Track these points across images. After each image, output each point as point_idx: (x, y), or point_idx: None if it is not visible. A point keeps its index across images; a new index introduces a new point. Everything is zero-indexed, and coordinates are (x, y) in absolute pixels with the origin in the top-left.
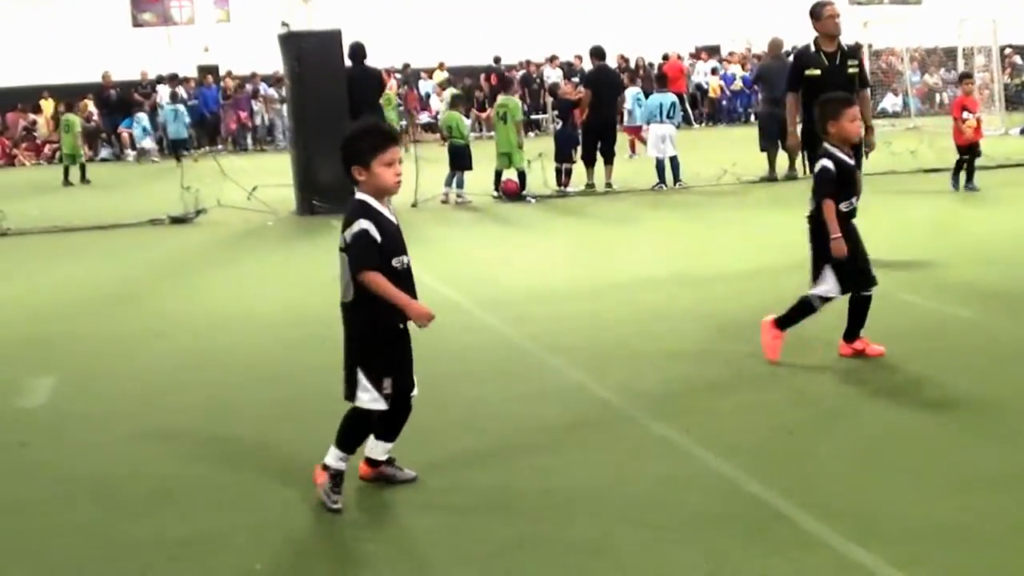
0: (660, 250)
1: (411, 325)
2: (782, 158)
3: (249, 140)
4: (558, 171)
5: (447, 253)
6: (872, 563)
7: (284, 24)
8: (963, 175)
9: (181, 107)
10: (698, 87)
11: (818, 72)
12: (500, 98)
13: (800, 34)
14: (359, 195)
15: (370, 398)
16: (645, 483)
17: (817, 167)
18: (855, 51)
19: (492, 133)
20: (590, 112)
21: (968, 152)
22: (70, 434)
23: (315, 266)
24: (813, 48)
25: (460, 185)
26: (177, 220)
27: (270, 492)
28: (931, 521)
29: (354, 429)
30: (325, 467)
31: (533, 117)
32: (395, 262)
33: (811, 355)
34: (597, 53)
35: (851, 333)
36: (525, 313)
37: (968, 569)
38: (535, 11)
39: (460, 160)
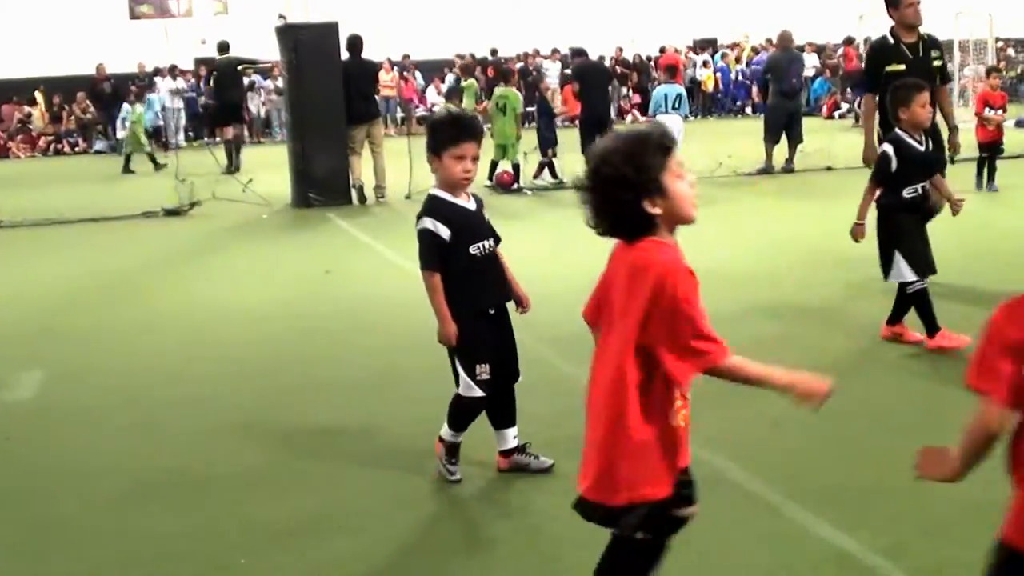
0: None
1: (511, 309)
2: (779, 150)
3: (245, 132)
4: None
5: None
6: (858, 550)
7: (281, 16)
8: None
9: (154, 98)
10: (692, 80)
11: (902, 67)
12: (499, 89)
13: (798, 27)
14: (432, 189)
15: (467, 387)
16: None
17: (879, 151)
18: (936, 42)
19: (489, 125)
20: (584, 106)
21: (990, 149)
22: (56, 428)
23: (310, 259)
24: (891, 40)
25: None
26: (171, 212)
27: (261, 489)
28: (917, 510)
29: (458, 414)
30: (441, 439)
31: (528, 109)
32: (472, 249)
33: (795, 353)
34: (579, 52)
35: (894, 318)
36: None
37: (951, 558)
38: (533, 3)
39: None
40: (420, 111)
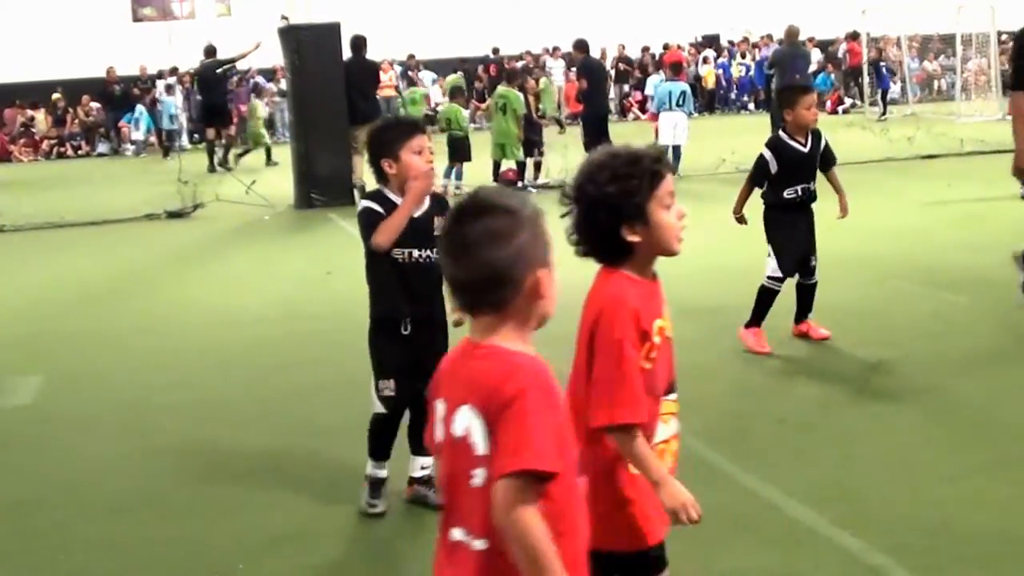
0: None
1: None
2: None
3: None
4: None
5: None
6: (861, 550)
7: (284, 18)
8: None
9: (168, 100)
10: (696, 77)
11: None
12: (500, 88)
13: (801, 22)
14: (383, 189)
15: (373, 399)
16: None
17: (757, 155)
18: None
19: (491, 124)
20: (588, 104)
21: None
22: (52, 434)
23: (312, 261)
24: None
25: (459, 177)
26: (174, 215)
27: (257, 495)
28: (919, 509)
29: (371, 433)
30: (367, 476)
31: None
32: (396, 252)
33: (798, 345)
34: (582, 46)
35: (799, 316)
36: None
37: (952, 556)
38: (535, 2)
39: (459, 152)
40: (425, 111)
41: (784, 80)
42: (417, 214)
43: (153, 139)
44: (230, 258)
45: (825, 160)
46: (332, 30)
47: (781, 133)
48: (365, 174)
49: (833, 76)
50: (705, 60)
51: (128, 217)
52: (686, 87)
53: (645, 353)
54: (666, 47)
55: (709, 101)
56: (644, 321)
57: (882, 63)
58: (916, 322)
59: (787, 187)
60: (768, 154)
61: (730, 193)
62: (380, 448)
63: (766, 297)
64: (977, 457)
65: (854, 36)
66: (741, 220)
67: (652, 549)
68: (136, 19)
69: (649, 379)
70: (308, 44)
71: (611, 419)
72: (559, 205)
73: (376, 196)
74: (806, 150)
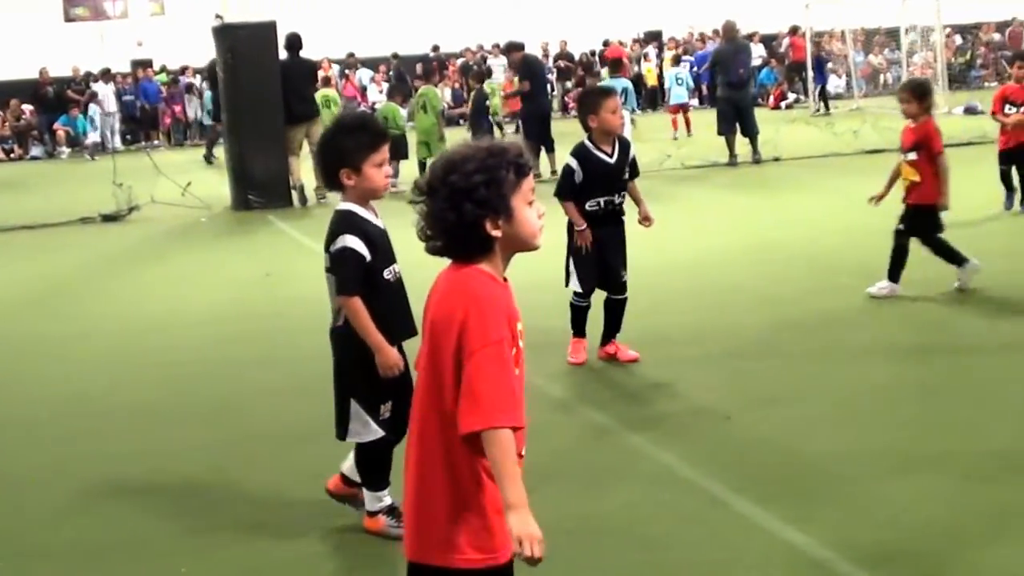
0: None
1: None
2: (742, 142)
3: (184, 135)
4: None
5: None
6: (807, 543)
7: (218, 16)
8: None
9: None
10: (637, 75)
11: None
12: (420, 88)
13: (744, 17)
14: (342, 205)
15: (365, 428)
16: (582, 471)
17: (563, 165)
18: None
19: (414, 124)
20: (530, 102)
21: (1011, 160)
22: None
23: (250, 262)
24: None
25: (396, 174)
26: (109, 218)
27: (199, 498)
28: (865, 503)
29: (370, 465)
30: (372, 513)
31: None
32: (387, 273)
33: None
34: (518, 46)
35: (605, 336)
36: None
37: (898, 551)
38: None
39: (395, 149)
40: (362, 109)
41: (728, 76)
42: (383, 226)
43: (98, 139)
44: (168, 261)
45: (632, 169)
46: (267, 29)
47: (586, 142)
48: (304, 175)
49: (776, 71)
50: (646, 57)
51: (63, 221)
52: (628, 84)
53: (513, 359)
54: (606, 43)
55: (651, 98)
56: (511, 323)
57: (823, 57)
58: (859, 316)
59: (588, 199)
60: (574, 163)
61: (675, 191)
62: (382, 476)
63: (576, 313)
64: (924, 450)
65: (795, 30)
66: (584, 236)
67: (505, 565)
68: (68, 19)
69: (519, 386)
70: (243, 43)
71: (488, 422)
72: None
73: (354, 226)
74: (612, 161)
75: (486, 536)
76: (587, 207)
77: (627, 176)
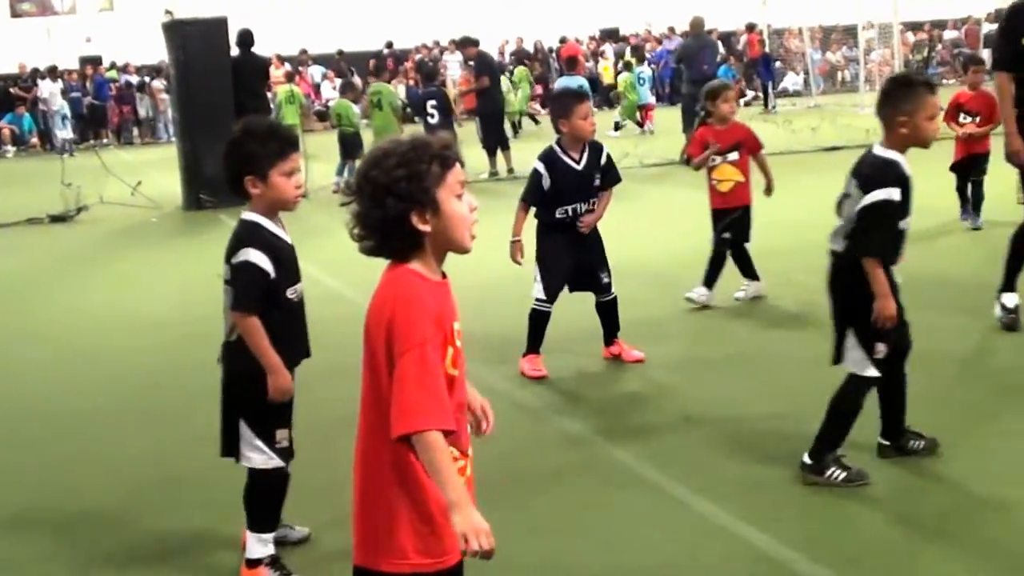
0: None
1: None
2: None
3: (135, 133)
4: None
5: (336, 244)
6: (770, 544)
7: (168, 12)
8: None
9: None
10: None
11: None
12: (372, 84)
13: (701, 13)
14: (247, 215)
15: (256, 453)
16: (540, 472)
17: (531, 169)
18: None
19: (370, 122)
20: (486, 99)
21: (965, 170)
22: None
23: (201, 263)
24: None
25: (351, 173)
26: (57, 219)
27: (151, 503)
28: (827, 503)
29: (259, 499)
30: (253, 563)
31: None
32: (290, 292)
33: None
34: (473, 42)
35: (607, 338)
36: None
37: (863, 549)
38: None
39: (350, 148)
40: (316, 107)
41: (693, 72)
42: (290, 241)
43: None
44: (117, 262)
45: (606, 176)
46: (219, 25)
47: (555, 145)
48: None
49: (734, 68)
50: (603, 55)
51: (9, 222)
52: (583, 81)
53: (451, 359)
54: (562, 41)
55: (607, 96)
56: (444, 322)
57: (769, 55)
58: (816, 312)
59: (557, 206)
60: (541, 168)
61: (635, 188)
62: (272, 515)
63: (537, 321)
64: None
65: (752, 28)
66: (518, 248)
67: (454, 568)
68: (14, 14)
69: (457, 387)
70: (193, 39)
71: (414, 425)
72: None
73: (258, 239)
74: (579, 167)
75: (434, 540)
76: (556, 215)
77: (598, 183)
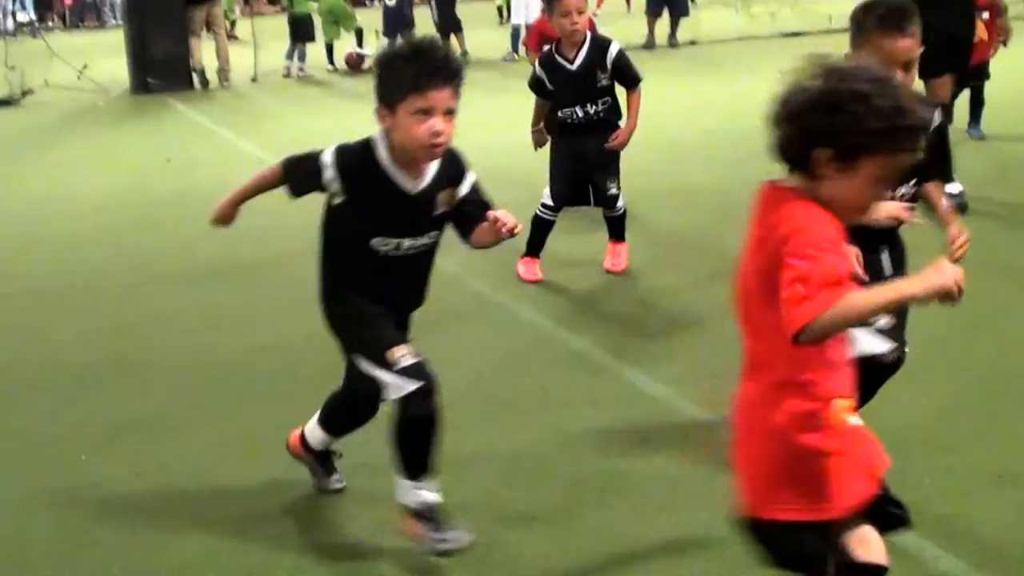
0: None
1: None
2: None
3: (81, 17)
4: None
5: (284, 128)
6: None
7: None
8: None
9: None
10: None
11: None
12: None
13: None
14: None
15: (394, 384)
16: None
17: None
18: None
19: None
20: None
21: (968, 75)
22: None
23: (150, 147)
24: None
25: (302, 58)
26: (2, 103)
27: (98, 385)
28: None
29: (403, 435)
30: (409, 510)
31: None
32: (380, 243)
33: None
34: None
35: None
36: None
37: None
38: None
39: (301, 31)
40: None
41: None
42: (414, 191)
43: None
44: (64, 146)
45: (621, 78)
46: None
47: (553, 47)
48: (205, 57)
49: None
50: None
51: None
52: None
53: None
54: None
55: None
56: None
57: None
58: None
59: (559, 108)
60: (540, 71)
61: None
62: (424, 456)
63: (539, 226)
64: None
65: None
66: (540, 137)
67: (840, 520)
68: None
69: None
70: None
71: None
72: None
73: (348, 153)
74: (572, 68)
75: (816, 488)
76: (560, 115)
77: (604, 83)
